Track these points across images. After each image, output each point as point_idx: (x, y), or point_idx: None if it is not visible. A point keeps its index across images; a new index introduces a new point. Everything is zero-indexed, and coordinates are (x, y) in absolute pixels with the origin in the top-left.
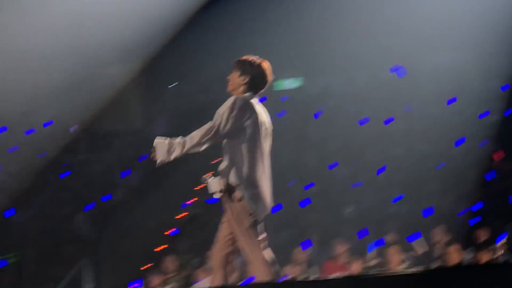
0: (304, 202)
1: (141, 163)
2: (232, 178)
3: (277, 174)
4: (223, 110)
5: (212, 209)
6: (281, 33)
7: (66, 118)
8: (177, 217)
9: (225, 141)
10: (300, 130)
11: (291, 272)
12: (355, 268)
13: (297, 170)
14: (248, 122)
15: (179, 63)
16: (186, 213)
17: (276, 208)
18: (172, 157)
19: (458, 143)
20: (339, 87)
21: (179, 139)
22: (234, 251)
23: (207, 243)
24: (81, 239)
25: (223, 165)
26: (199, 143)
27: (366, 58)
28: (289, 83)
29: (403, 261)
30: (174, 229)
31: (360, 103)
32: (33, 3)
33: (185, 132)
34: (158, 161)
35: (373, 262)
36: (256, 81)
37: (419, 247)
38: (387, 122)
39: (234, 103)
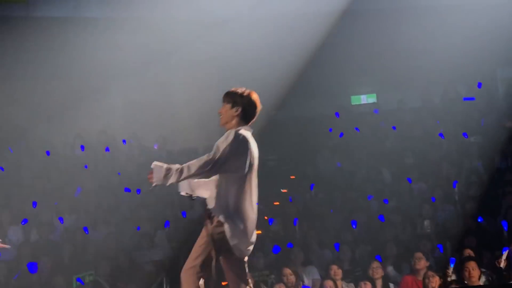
0: (381, 218)
1: None
2: (217, 212)
3: (353, 189)
4: (224, 145)
5: (288, 227)
6: (357, 49)
7: (145, 136)
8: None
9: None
10: (375, 145)
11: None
12: (434, 283)
13: (374, 185)
14: (244, 157)
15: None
16: (259, 232)
17: (353, 223)
18: (168, 183)
19: None
20: (414, 102)
21: (177, 166)
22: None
23: (282, 259)
24: (160, 256)
25: (211, 195)
26: (195, 174)
27: (439, 73)
28: (365, 99)
29: (482, 276)
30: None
31: (435, 117)
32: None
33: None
34: (153, 185)
35: (452, 277)
36: (248, 111)
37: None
38: (462, 136)
39: (235, 138)
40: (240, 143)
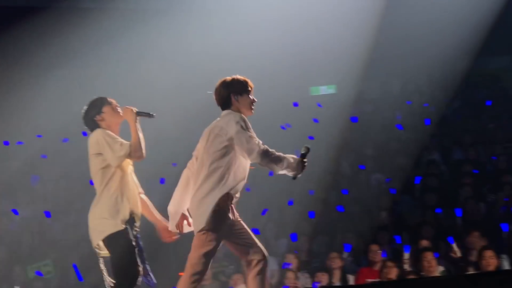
0: (340, 208)
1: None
2: None
3: (314, 180)
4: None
5: (248, 218)
6: (316, 40)
7: None
8: None
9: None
10: (334, 136)
11: (324, 279)
12: (391, 273)
13: (333, 176)
14: None
15: None
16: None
17: (311, 214)
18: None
19: (492, 149)
20: (374, 94)
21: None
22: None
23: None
24: None
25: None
26: None
27: (399, 64)
28: (325, 89)
29: (438, 267)
30: None
31: (395, 108)
32: None
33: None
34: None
35: (408, 268)
36: None
37: (456, 250)
38: (420, 127)
39: None
40: None
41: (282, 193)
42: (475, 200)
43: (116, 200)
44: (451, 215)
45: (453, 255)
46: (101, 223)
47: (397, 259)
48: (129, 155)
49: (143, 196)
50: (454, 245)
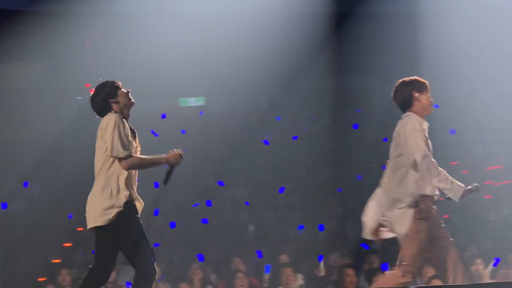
0: (203, 221)
1: (41, 175)
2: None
3: (176, 191)
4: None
5: None
6: (188, 52)
7: None
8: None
9: None
10: (201, 148)
11: None
12: (245, 286)
13: (197, 188)
14: None
15: None
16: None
17: (172, 225)
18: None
19: (358, 167)
20: (242, 108)
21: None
22: None
23: None
24: None
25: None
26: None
27: (268, 80)
28: (194, 101)
29: (299, 283)
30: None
31: (263, 123)
32: None
33: None
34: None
35: (268, 283)
36: None
37: (321, 269)
38: (287, 143)
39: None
40: None
41: (148, 203)
42: (338, 219)
43: (112, 190)
44: (313, 232)
45: (317, 272)
46: (94, 212)
47: (256, 273)
48: (122, 158)
49: None
50: (321, 264)
